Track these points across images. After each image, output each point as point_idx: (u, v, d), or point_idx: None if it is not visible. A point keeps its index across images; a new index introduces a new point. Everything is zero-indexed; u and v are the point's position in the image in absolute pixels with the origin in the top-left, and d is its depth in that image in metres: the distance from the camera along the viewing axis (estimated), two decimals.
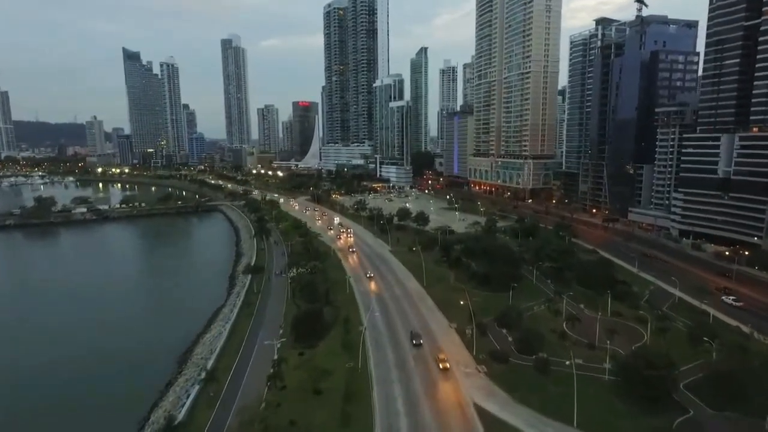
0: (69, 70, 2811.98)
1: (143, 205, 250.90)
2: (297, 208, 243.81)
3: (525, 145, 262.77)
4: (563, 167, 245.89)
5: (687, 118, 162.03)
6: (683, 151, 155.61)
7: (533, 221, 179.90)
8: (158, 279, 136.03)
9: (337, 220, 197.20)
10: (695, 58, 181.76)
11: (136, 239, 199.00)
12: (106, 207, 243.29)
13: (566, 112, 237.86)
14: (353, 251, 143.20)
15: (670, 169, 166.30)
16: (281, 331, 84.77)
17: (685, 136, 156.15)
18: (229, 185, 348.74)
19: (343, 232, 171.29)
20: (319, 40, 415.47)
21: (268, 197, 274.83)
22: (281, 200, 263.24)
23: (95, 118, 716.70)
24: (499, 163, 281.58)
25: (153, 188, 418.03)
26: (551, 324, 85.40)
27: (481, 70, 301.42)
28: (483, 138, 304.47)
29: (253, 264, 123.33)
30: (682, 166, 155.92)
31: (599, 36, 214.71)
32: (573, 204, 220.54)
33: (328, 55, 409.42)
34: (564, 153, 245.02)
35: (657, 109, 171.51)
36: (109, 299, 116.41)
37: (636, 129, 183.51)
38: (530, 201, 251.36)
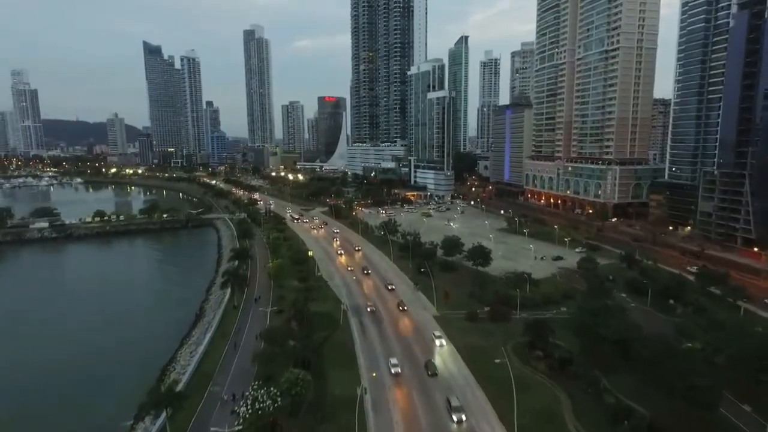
0: (109, 70, 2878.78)
1: (121, 218, 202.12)
2: (295, 222, 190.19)
3: (608, 146, 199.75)
4: (665, 176, 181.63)
5: None
6: None
7: (647, 262, 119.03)
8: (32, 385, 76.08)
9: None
10: None
11: (75, 275, 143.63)
12: (74, 221, 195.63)
13: (674, 101, 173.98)
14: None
15: None
16: None
17: None
18: (238, 191, 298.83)
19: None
20: (348, 40, 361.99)
21: (273, 207, 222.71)
22: (289, 213, 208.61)
23: (116, 116, 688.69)
24: (570, 168, 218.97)
25: (164, 192, 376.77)
26: None
27: (544, 51, 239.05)
28: (546, 136, 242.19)
29: (183, 381, 66.13)
30: None
31: None
32: (691, 230, 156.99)
33: (356, 41, 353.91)
34: (667, 157, 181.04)
35: None
36: None
37: None
38: (615, 220, 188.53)
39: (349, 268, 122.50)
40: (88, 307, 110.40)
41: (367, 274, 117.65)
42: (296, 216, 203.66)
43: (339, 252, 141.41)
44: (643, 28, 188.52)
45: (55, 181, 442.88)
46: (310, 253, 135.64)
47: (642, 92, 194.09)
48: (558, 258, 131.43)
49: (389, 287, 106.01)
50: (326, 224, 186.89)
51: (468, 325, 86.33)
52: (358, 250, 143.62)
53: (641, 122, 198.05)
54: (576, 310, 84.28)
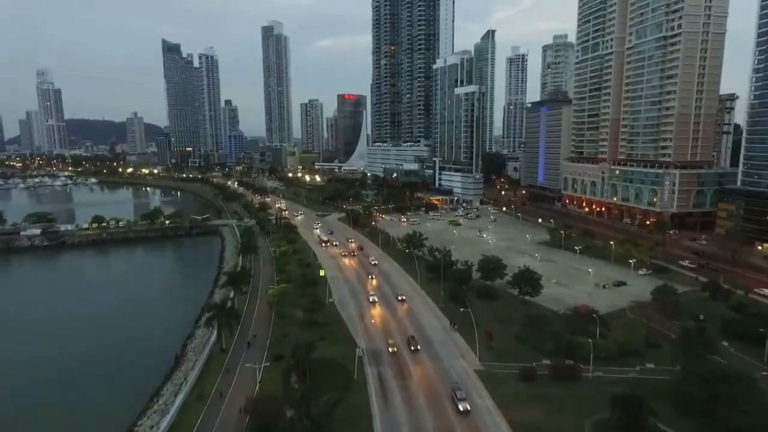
0: (136, 70, 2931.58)
1: (120, 224, 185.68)
2: (324, 246, 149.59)
3: (665, 147, 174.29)
4: (737, 182, 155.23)
5: None
6: None
7: (738, 292, 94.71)
8: None
9: None
10: None
11: (49, 295, 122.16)
12: (69, 227, 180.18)
13: (752, 94, 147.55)
14: None
15: None
16: None
17: None
18: (251, 194, 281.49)
19: None
20: (370, 39, 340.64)
21: (292, 212, 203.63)
22: (317, 233, 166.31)
23: (135, 114, 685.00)
24: (617, 172, 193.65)
25: (178, 193, 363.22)
26: None
27: (587, 41, 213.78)
28: (588, 136, 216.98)
29: None
30: None
31: None
32: None
33: (377, 34, 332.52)
34: (741, 160, 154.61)
35: None
36: None
37: None
38: (674, 232, 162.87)
39: (391, 349, 74.63)
40: (51, 339, 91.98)
41: (416, 350, 74.42)
42: (325, 238, 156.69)
43: (372, 298, 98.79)
44: (710, 10, 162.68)
45: (69, 181, 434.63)
46: (321, 273, 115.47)
47: (707, 84, 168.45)
48: (620, 283, 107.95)
49: (457, 397, 59.26)
50: (362, 249, 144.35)
51: (523, 388, 64.30)
52: (402, 299, 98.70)
53: (705, 119, 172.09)
54: (678, 372, 62.16)
